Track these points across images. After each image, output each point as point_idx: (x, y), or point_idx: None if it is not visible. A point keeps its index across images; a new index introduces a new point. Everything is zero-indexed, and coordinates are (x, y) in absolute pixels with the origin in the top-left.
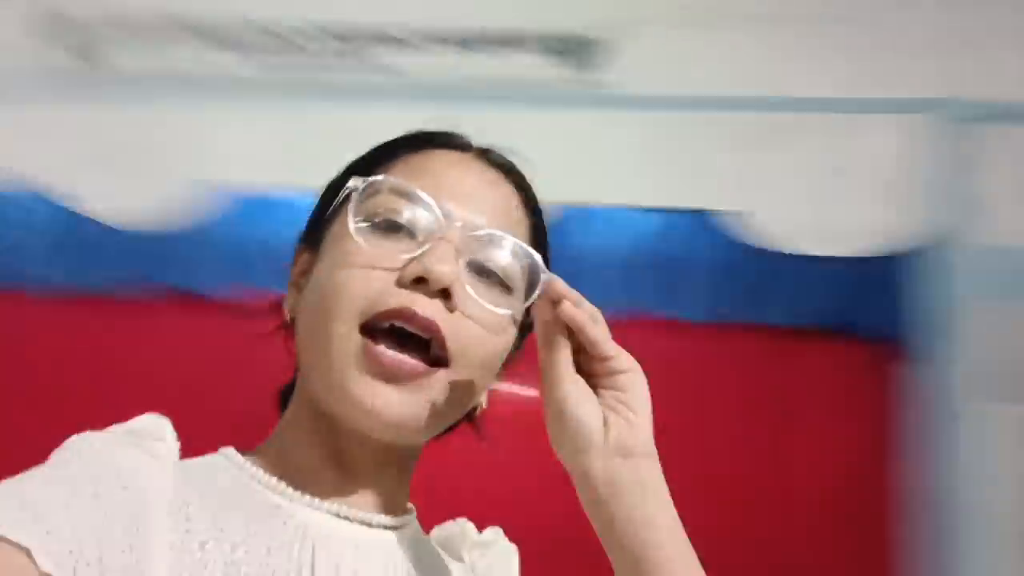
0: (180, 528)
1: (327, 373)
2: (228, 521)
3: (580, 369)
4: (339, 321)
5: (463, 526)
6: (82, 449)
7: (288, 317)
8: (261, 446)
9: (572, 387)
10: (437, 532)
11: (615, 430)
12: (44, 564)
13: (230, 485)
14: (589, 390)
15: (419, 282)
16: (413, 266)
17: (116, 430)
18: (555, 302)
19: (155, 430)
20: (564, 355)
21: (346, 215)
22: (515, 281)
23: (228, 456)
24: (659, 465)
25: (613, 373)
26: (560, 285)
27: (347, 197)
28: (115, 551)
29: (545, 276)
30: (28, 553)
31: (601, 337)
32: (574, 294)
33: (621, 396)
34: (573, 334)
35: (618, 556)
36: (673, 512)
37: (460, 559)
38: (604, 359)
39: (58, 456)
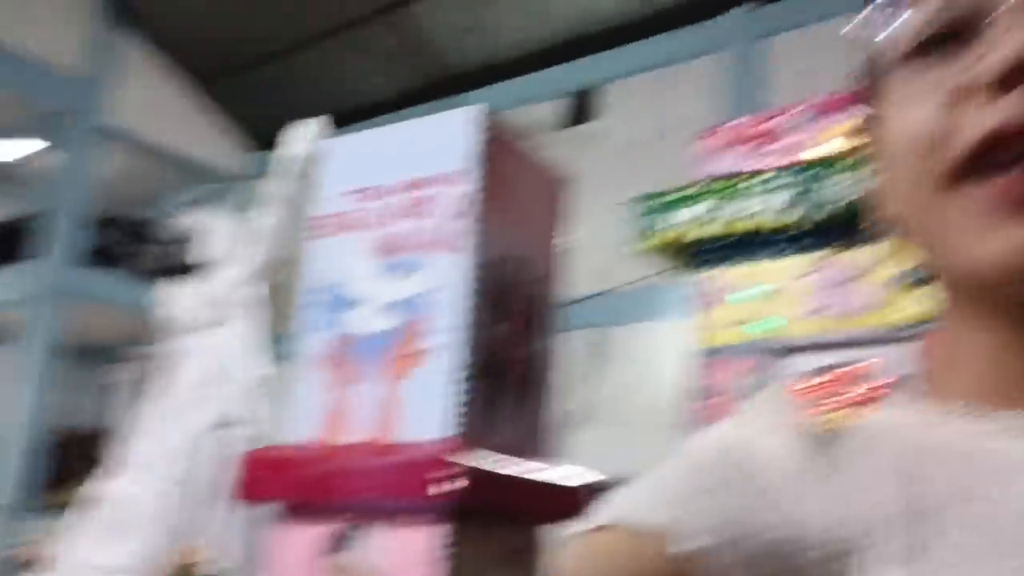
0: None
1: (957, 253)
2: (922, 477)
3: None
4: (932, 188)
5: None
6: (703, 438)
7: (888, 216)
8: (923, 382)
9: None
10: None
11: None
12: (679, 546)
13: (907, 435)
14: None
15: (1004, 84)
16: (980, 71)
17: (736, 415)
18: None
19: (771, 403)
20: None
21: (885, 57)
22: None
23: (891, 406)
24: None
25: None
26: None
27: (880, 35)
28: (750, 533)
29: None
30: (661, 536)
31: None
32: None
33: None
34: None
35: None
36: None
37: None
38: None
39: (684, 448)
